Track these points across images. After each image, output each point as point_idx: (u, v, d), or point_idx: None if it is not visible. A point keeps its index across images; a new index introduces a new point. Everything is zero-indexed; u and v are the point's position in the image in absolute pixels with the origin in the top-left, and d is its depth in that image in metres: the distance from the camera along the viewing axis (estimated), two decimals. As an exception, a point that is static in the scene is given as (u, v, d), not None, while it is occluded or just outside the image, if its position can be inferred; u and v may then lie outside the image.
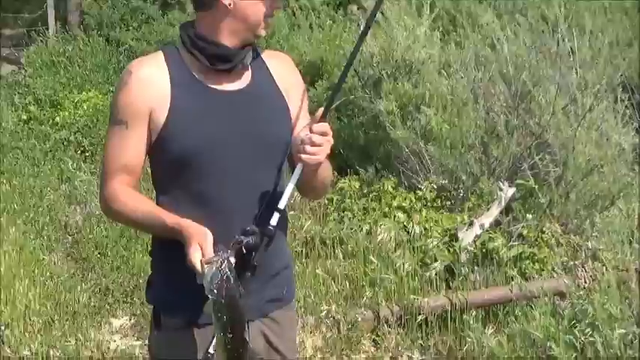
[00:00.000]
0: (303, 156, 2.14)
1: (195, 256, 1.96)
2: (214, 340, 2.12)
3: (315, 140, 2.14)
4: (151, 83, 2.17)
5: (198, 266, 1.97)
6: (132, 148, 2.18)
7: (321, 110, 2.21)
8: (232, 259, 2.01)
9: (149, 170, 2.31)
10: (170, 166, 2.22)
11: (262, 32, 2.26)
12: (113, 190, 2.17)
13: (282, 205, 2.23)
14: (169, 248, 2.22)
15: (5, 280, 4.92)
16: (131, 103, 2.17)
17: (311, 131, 2.14)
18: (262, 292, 2.32)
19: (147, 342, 2.36)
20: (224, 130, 2.21)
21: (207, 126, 2.19)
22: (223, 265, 1.98)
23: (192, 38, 2.22)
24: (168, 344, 2.28)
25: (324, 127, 2.17)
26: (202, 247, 1.97)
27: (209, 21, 2.22)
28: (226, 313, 2.02)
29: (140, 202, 2.17)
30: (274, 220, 2.21)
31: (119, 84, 2.22)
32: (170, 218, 2.08)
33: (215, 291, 1.98)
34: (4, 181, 6.94)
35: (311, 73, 8.85)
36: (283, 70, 2.38)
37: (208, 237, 2.00)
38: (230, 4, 2.17)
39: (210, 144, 2.18)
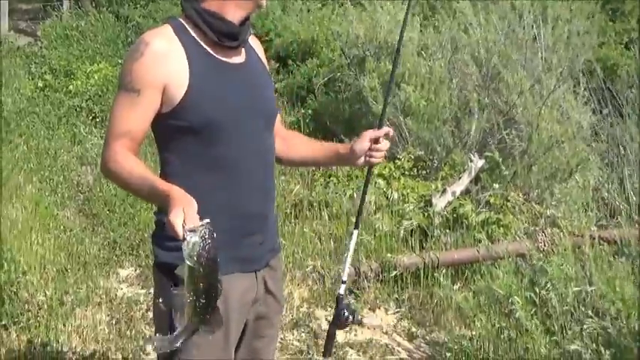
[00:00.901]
0: (375, 160, 2.45)
1: (177, 219, 1.87)
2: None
3: (382, 147, 2.43)
4: (168, 58, 2.12)
5: (179, 229, 1.88)
6: (139, 115, 2.13)
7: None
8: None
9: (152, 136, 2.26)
10: (188, 133, 2.17)
11: (263, 2, 2.23)
12: (114, 153, 2.12)
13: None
14: None
15: (22, 232, 4.91)
16: (146, 74, 2.11)
17: (376, 142, 2.41)
18: (266, 245, 2.34)
19: (157, 300, 2.28)
20: (238, 98, 2.21)
21: (225, 96, 2.17)
22: (207, 234, 1.91)
23: (201, 13, 2.16)
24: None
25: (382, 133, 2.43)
26: (186, 213, 1.88)
27: None
28: (203, 281, 1.95)
29: (136, 166, 2.09)
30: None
31: (133, 53, 2.15)
32: (162, 184, 2.02)
33: (195, 259, 1.90)
34: (22, 143, 6.90)
35: (302, 51, 8.82)
36: (260, 52, 2.43)
37: (193, 204, 1.92)
38: None
39: (229, 112, 2.17)
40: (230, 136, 2.17)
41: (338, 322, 2.56)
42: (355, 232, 2.68)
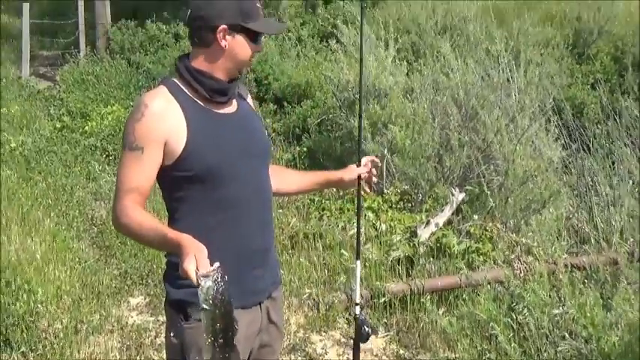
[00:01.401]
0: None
1: (190, 266, 1.87)
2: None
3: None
4: (167, 116, 2.14)
5: (193, 275, 1.88)
6: (145, 171, 2.15)
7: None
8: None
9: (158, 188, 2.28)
10: (192, 181, 2.19)
11: (240, 70, 2.29)
12: (124, 207, 2.12)
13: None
14: None
15: (41, 264, 4.87)
16: (147, 133, 2.13)
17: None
18: (268, 278, 2.36)
19: (168, 333, 2.28)
20: (232, 144, 2.23)
21: (221, 144, 2.20)
22: (219, 278, 1.89)
23: (192, 72, 2.21)
24: (198, 332, 2.25)
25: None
26: (197, 259, 1.88)
27: (206, 57, 2.21)
28: (220, 322, 1.93)
29: (146, 219, 2.10)
30: None
31: (134, 114, 2.17)
32: (172, 233, 2.01)
33: (211, 302, 1.89)
34: (41, 180, 6.88)
35: (298, 94, 8.87)
36: (249, 97, 2.48)
37: (203, 251, 1.91)
38: (225, 45, 2.17)
39: (226, 158, 2.19)
40: (229, 179, 2.19)
41: (361, 337, 2.77)
42: (358, 262, 2.88)
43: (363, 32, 2.96)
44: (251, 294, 2.28)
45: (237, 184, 2.21)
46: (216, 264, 1.91)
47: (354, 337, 2.80)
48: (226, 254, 2.04)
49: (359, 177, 2.62)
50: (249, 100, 2.47)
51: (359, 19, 7.98)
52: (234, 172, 2.20)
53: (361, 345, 4.21)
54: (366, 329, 2.72)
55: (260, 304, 2.32)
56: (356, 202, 2.77)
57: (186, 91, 2.20)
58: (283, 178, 2.56)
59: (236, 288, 2.17)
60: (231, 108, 2.29)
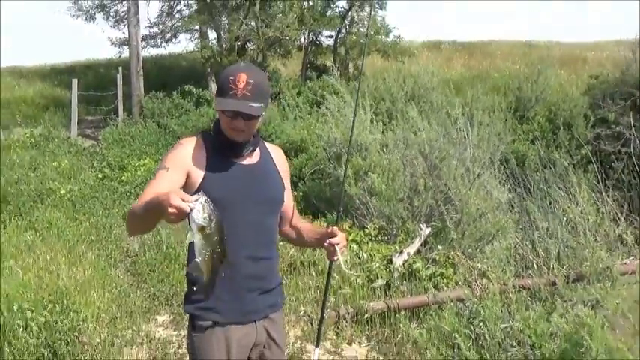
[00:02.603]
0: (339, 252, 2.32)
1: (177, 201, 1.81)
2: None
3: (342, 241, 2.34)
4: (193, 154, 2.21)
5: (183, 205, 1.81)
6: (165, 184, 2.12)
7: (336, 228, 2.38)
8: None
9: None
10: None
11: (234, 138, 2.22)
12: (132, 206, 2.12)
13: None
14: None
15: (84, 289, 4.83)
16: (174, 159, 2.19)
17: (335, 243, 2.31)
18: (264, 301, 2.32)
19: (186, 341, 2.29)
20: (242, 189, 2.23)
21: (230, 186, 2.20)
22: (205, 199, 1.85)
23: (216, 132, 2.25)
24: (202, 340, 2.25)
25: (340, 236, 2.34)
26: (180, 196, 1.84)
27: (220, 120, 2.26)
28: (216, 235, 1.88)
29: (138, 202, 2.06)
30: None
31: (171, 148, 2.25)
32: (153, 196, 1.95)
33: (207, 218, 1.83)
34: (85, 220, 6.87)
35: (294, 149, 8.93)
36: (278, 158, 2.44)
37: (180, 191, 1.92)
38: (218, 115, 2.23)
39: (231, 196, 2.18)
40: (229, 215, 2.13)
41: None
42: (317, 350, 2.72)
43: (356, 112, 3.02)
44: (244, 313, 2.25)
45: (233, 219, 2.16)
46: (199, 194, 1.87)
47: None
48: (223, 277, 2.05)
49: (331, 250, 2.35)
50: (278, 159, 2.41)
51: (342, 90, 8.16)
52: (233, 210, 2.18)
53: (347, 353, 4.23)
54: None
55: (255, 322, 2.28)
56: (325, 282, 2.56)
57: (214, 142, 2.25)
58: (297, 231, 2.50)
59: (232, 305, 2.20)
60: (252, 160, 2.29)
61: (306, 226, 2.53)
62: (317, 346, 2.71)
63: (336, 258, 2.36)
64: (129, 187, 8.30)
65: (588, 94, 10.10)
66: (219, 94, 2.17)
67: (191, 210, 1.81)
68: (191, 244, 1.98)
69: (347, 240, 2.46)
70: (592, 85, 10.38)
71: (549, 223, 5.31)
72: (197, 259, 1.91)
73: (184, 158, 2.18)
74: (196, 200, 1.82)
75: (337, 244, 2.32)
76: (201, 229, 1.84)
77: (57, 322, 4.09)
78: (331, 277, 2.63)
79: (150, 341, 4.29)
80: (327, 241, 2.33)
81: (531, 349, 3.20)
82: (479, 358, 3.32)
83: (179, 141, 2.27)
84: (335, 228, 2.36)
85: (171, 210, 1.82)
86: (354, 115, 2.99)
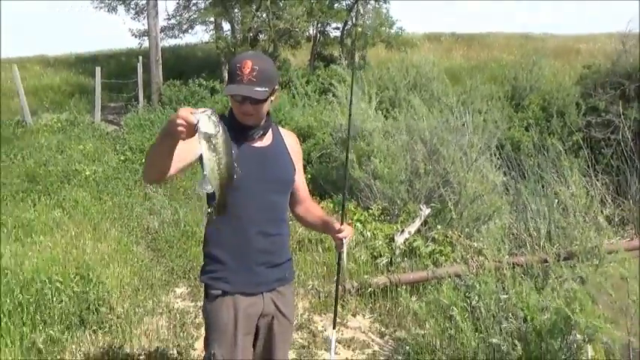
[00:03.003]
0: (345, 245, 2.44)
1: (184, 112, 1.80)
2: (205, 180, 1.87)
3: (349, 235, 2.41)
4: None
5: (190, 117, 1.78)
6: (180, 144, 2.00)
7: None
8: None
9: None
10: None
11: (245, 121, 2.22)
12: None
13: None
14: (213, 246, 2.23)
15: (108, 263, 4.88)
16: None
17: (343, 237, 2.38)
18: (273, 275, 2.33)
19: (201, 308, 2.34)
20: (253, 170, 2.22)
21: (242, 166, 2.15)
22: (211, 111, 1.80)
23: (230, 117, 2.26)
24: (213, 306, 2.28)
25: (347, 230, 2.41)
26: (188, 110, 1.82)
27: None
28: (222, 146, 1.82)
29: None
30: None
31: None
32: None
33: (214, 126, 1.77)
34: (108, 199, 6.91)
35: (303, 135, 8.91)
36: (291, 142, 2.44)
37: (187, 107, 1.87)
38: (230, 101, 2.22)
39: (243, 178, 2.15)
40: (241, 193, 2.15)
41: None
42: (333, 331, 2.74)
43: (352, 89, 2.98)
44: (252, 284, 2.27)
45: (244, 200, 2.19)
46: (205, 108, 1.81)
47: None
48: (233, 250, 2.09)
49: (339, 243, 2.41)
50: (290, 142, 2.41)
51: (349, 78, 8.12)
52: (246, 189, 2.18)
53: (352, 324, 4.26)
54: None
55: (263, 294, 2.30)
56: (336, 267, 2.56)
57: (228, 124, 2.24)
58: (307, 213, 2.51)
59: (240, 277, 2.22)
60: (263, 143, 2.29)
61: (316, 211, 2.53)
62: (334, 328, 2.74)
63: (343, 250, 2.48)
64: (149, 169, 8.34)
65: (580, 83, 10.00)
66: (229, 81, 2.17)
67: (198, 121, 1.74)
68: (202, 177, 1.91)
69: (352, 232, 2.49)
70: (584, 75, 10.27)
71: (542, 205, 5.30)
72: (205, 173, 1.84)
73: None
74: (203, 112, 1.76)
75: (345, 237, 2.39)
76: (208, 138, 1.77)
77: (83, 294, 4.14)
78: (341, 266, 2.68)
79: (169, 311, 4.34)
80: (337, 235, 2.39)
81: (524, 321, 3.21)
82: (474, 329, 3.34)
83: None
84: (344, 225, 2.40)
85: (179, 122, 1.78)
86: (350, 103, 2.98)
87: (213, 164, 1.82)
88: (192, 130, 1.79)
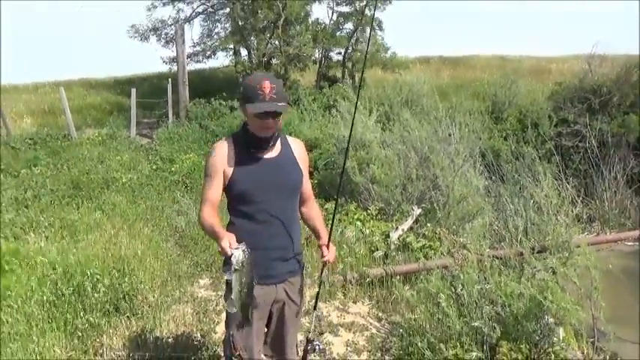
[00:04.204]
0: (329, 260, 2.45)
1: (224, 243, 1.99)
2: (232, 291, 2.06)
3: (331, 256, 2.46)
4: (224, 155, 2.23)
5: (227, 249, 1.97)
6: (213, 189, 2.22)
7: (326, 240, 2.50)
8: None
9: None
10: (235, 198, 2.25)
11: (264, 134, 2.23)
12: (201, 212, 2.21)
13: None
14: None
15: (141, 257, 4.88)
16: (213, 166, 2.23)
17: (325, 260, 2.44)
18: (285, 268, 2.35)
19: (222, 297, 2.34)
20: (265, 179, 2.23)
21: (255, 177, 2.21)
22: (246, 249, 1.99)
23: (246, 131, 2.25)
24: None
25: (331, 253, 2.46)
26: (229, 241, 2.00)
27: (248, 121, 2.25)
28: (246, 277, 2.01)
29: (211, 219, 2.17)
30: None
31: (209, 155, 2.26)
32: (219, 229, 2.10)
33: (241, 264, 1.98)
34: (142, 203, 6.92)
35: (310, 146, 8.91)
36: (299, 150, 2.42)
37: (233, 237, 2.03)
38: (246, 113, 2.20)
39: (256, 186, 2.21)
40: (258, 200, 2.21)
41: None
42: (315, 312, 2.69)
43: (357, 107, 2.96)
44: (267, 277, 2.28)
45: (261, 204, 2.22)
46: (242, 243, 2.00)
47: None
48: (252, 247, 2.08)
49: (323, 264, 2.48)
50: (297, 150, 2.38)
51: (352, 96, 8.11)
52: (260, 197, 2.21)
53: (352, 310, 4.23)
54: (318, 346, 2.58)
55: (276, 285, 2.32)
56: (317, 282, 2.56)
57: (242, 140, 2.25)
58: (309, 212, 2.51)
59: (256, 271, 2.23)
60: (273, 153, 2.28)
61: (315, 213, 2.53)
62: (314, 309, 2.72)
63: (324, 272, 2.59)
64: (177, 176, 8.33)
65: (552, 98, 9.96)
66: (249, 101, 2.15)
67: (231, 254, 1.97)
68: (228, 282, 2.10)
69: (334, 256, 2.54)
70: (555, 92, 10.23)
71: (519, 205, 5.27)
72: (232, 297, 2.07)
73: (218, 163, 2.22)
74: (237, 248, 1.98)
75: (328, 261, 2.46)
76: (235, 270, 1.99)
77: (119, 285, 4.15)
78: (321, 280, 2.74)
79: (194, 300, 4.34)
80: (322, 259, 2.46)
81: (502, 307, 3.19)
82: (459, 314, 3.31)
83: (213, 146, 2.28)
84: (331, 248, 2.47)
85: (219, 247, 2.02)
86: (354, 116, 2.97)
87: (237, 290, 2.05)
88: (227, 255, 2.00)
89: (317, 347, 2.54)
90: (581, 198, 6.08)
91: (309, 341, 2.55)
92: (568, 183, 6.00)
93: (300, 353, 2.62)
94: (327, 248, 2.45)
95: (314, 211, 2.54)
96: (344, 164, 2.77)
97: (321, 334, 3.84)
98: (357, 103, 2.95)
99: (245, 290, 2.04)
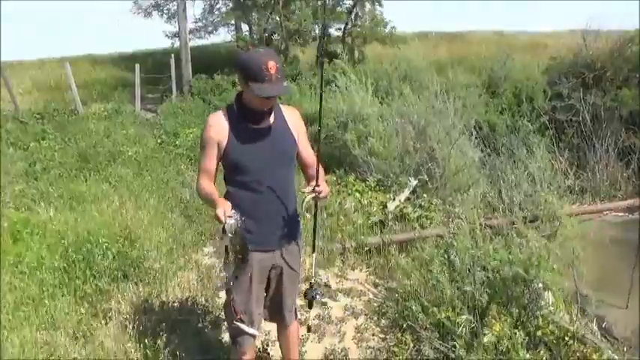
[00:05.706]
0: (321, 196, 2.28)
1: (219, 211, 2.03)
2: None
3: (323, 189, 2.29)
4: (219, 127, 2.21)
5: (221, 216, 2.02)
6: (209, 160, 2.23)
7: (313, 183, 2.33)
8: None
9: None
10: (230, 168, 2.25)
11: (263, 107, 2.19)
12: (199, 182, 2.24)
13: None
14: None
15: (148, 227, 4.91)
16: (207, 137, 2.22)
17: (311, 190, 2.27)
18: (282, 234, 2.36)
19: (223, 263, 2.34)
20: (258, 148, 2.23)
21: (249, 147, 2.21)
22: (238, 218, 2.04)
23: (241, 104, 2.23)
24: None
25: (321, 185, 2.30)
26: (224, 209, 2.04)
27: (244, 95, 2.22)
28: (238, 243, 2.07)
29: (208, 188, 2.21)
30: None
31: (203, 128, 2.25)
32: (216, 197, 2.15)
33: (233, 232, 2.03)
34: (147, 175, 6.92)
35: (309, 119, 8.79)
36: (292, 117, 2.40)
37: (228, 205, 2.06)
38: (248, 89, 2.15)
39: (250, 156, 2.21)
40: (251, 170, 2.22)
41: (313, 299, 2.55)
42: (314, 255, 2.57)
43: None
44: (266, 243, 2.31)
45: (256, 173, 2.22)
46: (235, 212, 2.05)
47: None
48: (247, 216, 2.11)
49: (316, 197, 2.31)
50: (290, 117, 2.34)
51: (349, 71, 8.01)
52: (255, 166, 2.21)
53: (351, 276, 4.27)
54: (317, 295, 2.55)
55: (274, 251, 2.34)
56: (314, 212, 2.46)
57: (236, 112, 2.22)
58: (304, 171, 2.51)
59: (254, 238, 2.25)
60: (267, 123, 2.26)
61: (321, 178, 2.43)
62: (313, 251, 2.60)
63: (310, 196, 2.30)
64: (181, 149, 8.30)
65: (547, 73, 9.83)
66: (255, 81, 2.08)
67: (225, 222, 2.02)
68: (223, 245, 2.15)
69: (328, 193, 2.37)
70: (550, 66, 10.08)
71: (513, 176, 5.28)
72: (227, 260, 2.13)
73: (213, 136, 2.20)
74: (230, 216, 2.02)
75: (314, 191, 2.27)
76: (230, 237, 2.05)
77: (127, 252, 4.18)
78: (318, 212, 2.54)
79: (198, 267, 4.39)
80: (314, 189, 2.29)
81: (493, 272, 3.22)
82: (451, 280, 3.35)
83: (208, 118, 2.24)
84: (322, 184, 2.32)
85: (215, 214, 2.05)
86: (320, 92, 2.94)
87: (232, 255, 2.13)
88: (221, 221, 2.04)
89: (316, 295, 2.54)
90: (573, 170, 6.07)
91: (312, 286, 2.54)
92: (561, 156, 5.98)
93: (299, 316, 2.66)
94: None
95: (309, 169, 2.50)
96: (319, 135, 2.56)
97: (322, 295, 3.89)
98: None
99: (239, 257, 2.10)
